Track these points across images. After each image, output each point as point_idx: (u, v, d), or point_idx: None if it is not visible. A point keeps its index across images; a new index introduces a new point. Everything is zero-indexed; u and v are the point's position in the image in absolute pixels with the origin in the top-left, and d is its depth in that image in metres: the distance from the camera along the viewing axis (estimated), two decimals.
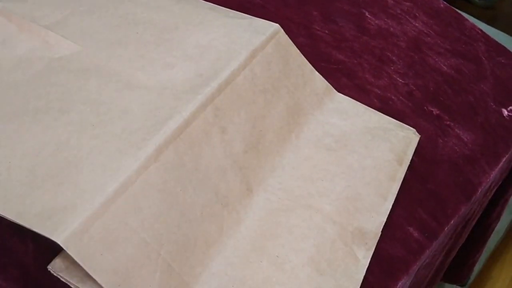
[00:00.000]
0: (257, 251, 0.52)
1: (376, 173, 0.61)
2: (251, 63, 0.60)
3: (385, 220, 0.58)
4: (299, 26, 0.79)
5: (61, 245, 0.41)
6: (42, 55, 0.59)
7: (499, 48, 0.87)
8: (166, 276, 0.47)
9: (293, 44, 0.66)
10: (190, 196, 0.50)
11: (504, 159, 0.71)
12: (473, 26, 0.89)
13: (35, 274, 0.48)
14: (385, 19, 0.85)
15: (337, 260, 0.53)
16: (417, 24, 0.86)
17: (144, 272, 0.45)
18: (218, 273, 0.50)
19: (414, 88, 0.75)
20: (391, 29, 0.83)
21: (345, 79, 0.73)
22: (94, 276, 0.42)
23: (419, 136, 0.67)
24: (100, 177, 0.46)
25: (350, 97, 0.69)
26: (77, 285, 0.44)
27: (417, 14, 0.87)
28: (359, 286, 0.52)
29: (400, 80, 0.75)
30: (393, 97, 0.73)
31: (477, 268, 1.12)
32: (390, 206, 0.59)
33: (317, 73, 0.67)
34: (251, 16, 0.66)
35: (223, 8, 0.68)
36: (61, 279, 0.44)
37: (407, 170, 0.63)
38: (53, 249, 0.44)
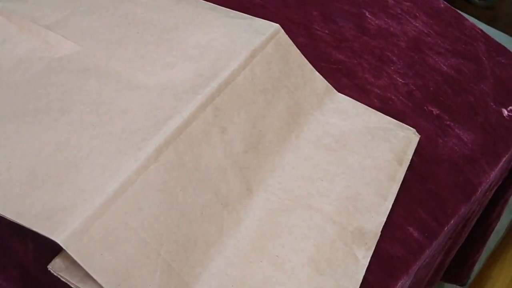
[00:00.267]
0: (257, 251, 0.52)
1: (376, 173, 0.61)
2: (251, 63, 0.60)
3: (385, 220, 0.58)
4: (299, 26, 0.79)
5: (61, 245, 0.41)
6: (42, 55, 0.59)
7: (499, 48, 0.87)
8: (166, 276, 0.47)
9: (293, 44, 0.66)
10: (190, 196, 0.50)
11: (504, 159, 0.71)
12: (473, 26, 0.89)
13: (35, 274, 0.48)
14: (385, 19, 0.85)
15: (337, 260, 0.53)
16: (417, 24, 0.86)
17: (144, 272, 0.45)
18: (218, 273, 0.50)
19: (414, 88, 0.75)
20: (391, 29, 0.83)
21: (345, 79, 0.73)
22: (94, 276, 0.42)
23: (419, 136, 0.67)
24: (100, 177, 0.46)
25: (350, 97, 0.69)
26: (77, 285, 0.44)
27: (417, 14, 0.87)
28: (359, 286, 0.52)
29: (400, 80, 0.75)
30: (393, 97, 0.73)
31: (477, 268, 1.12)
32: (390, 206, 0.59)
33: (317, 73, 0.67)
34: (251, 16, 0.66)
35: (223, 8, 0.68)
36: (61, 278, 0.44)
37: (407, 170, 0.63)
38: (53, 249, 0.44)
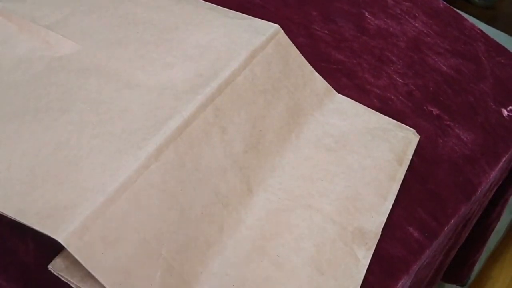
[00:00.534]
0: (258, 251, 0.53)
1: (376, 173, 0.61)
2: (251, 64, 0.60)
3: (385, 220, 0.58)
4: (298, 26, 0.79)
5: (62, 243, 0.41)
6: (42, 54, 0.59)
7: (499, 48, 0.87)
8: (167, 275, 0.47)
9: (293, 45, 0.66)
10: (190, 195, 0.51)
11: (504, 159, 0.71)
12: (473, 26, 0.89)
13: (36, 273, 0.48)
14: (385, 19, 0.85)
15: (337, 260, 0.54)
16: (416, 24, 0.86)
17: (145, 271, 0.45)
18: (218, 272, 0.50)
19: (414, 88, 0.75)
20: (391, 29, 0.84)
21: (345, 79, 0.73)
22: (95, 275, 0.42)
23: (419, 136, 0.67)
24: (101, 176, 0.46)
25: (350, 97, 0.69)
26: (77, 284, 0.44)
27: (416, 14, 0.88)
28: (359, 286, 0.52)
29: (400, 80, 0.76)
30: (392, 97, 0.73)
31: (477, 268, 1.12)
32: (390, 206, 0.59)
33: (317, 74, 0.67)
34: (250, 17, 0.66)
35: (223, 8, 0.68)
36: (62, 278, 0.44)
37: (407, 170, 0.63)
38: (53, 249, 0.44)
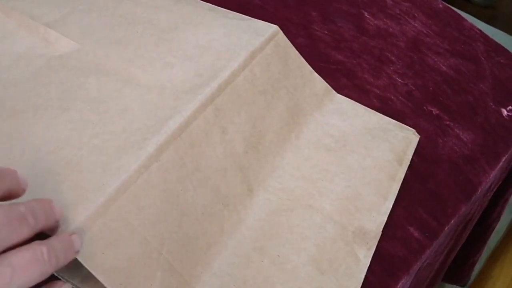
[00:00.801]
0: (258, 251, 0.53)
1: (376, 173, 0.61)
2: (250, 64, 0.60)
3: (385, 219, 0.58)
4: (298, 27, 0.79)
5: None
6: (42, 52, 0.59)
7: (498, 48, 0.87)
8: (168, 275, 0.47)
9: (292, 46, 0.66)
10: (191, 196, 0.51)
11: (503, 159, 0.71)
12: (472, 26, 0.89)
13: None
14: (384, 19, 0.85)
15: (338, 259, 0.54)
16: (416, 24, 0.86)
17: (146, 271, 0.45)
18: (219, 272, 0.50)
19: (414, 88, 0.75)
20: (390, 29, 0.84)
21: (344, 79, 0.73)
22: (96, 275, 0.42)
23: (419, 136, 0.67)
24: (101, 176, 0.46)
25: (350, 97, 0.69)
26: (78, 285, 0.44)
27: (416, 15, 0.88)
28: (360, 286, 0.53)
29: (400, 80, 0.76)
30: (392, 97, 0.73)
31: (477, 267, 1.12)
32: (391, 206, 0.59)
33: (316, 74, 0.68)
34: (250, 18, 0.66)
35: (222, 9, 0.68)
36: (62, 279, 0.45)
37: (407, 170, 0.63)
38: None
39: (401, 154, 0.64)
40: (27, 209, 0.35)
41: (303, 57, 0.67)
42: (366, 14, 0.85)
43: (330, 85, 0.69)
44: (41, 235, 0.42)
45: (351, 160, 0.62)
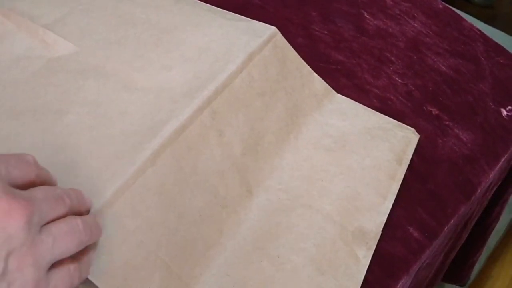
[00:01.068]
0: (258, 252, 0.53)
1: (375, 173, 0.61)
2: (248, 66, 0.59)
3: (385, 219, 0.58)
4: (298, 27, 0.79)
5: None
6: (41, 54, 0.59)
7: (498, 48, 0.87)
8: (166, 277, 0.47)
9: (291, 47, 0.65)
10: (188, 198, 0.51)
11: (503, 159, 0.71)
12: (472, 26, 0.89)
13: None
14: (384, 20, 0.85)
15: (338, 259, 0.54)
16: (415, 25, 0.86)
17: (143, 274, 0.45)
18: (218, 273, 0.50)
19: (413, 88, 0.75)
20: (390, 29, 0.84)
21: (344, 79, 0.73)
22: (92, 279, 0.42)
23: (419, 136, 0.67)
24: (98, 182, 0.46)
25: (349, 97, 0.69)
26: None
27: (415, 15, 0.88)
28: (359, 286, 0.52)
29: (399, 80, 0.76)
30: (392, 97, 0.73)
31: (477, 267, 1.12)
32: (390, 206, 0.59)
33: (315, 74, 0.67)
34: (248, 19, 0.66)
35: (221, 9, 0.67)
36: None
37: (407, 170, 0.63)
38: None
39: (401, 154, 0.64)
40: (63, 192, 0.39)
41: (303, 57, 0.66)
42: (366, 14, 0.85)
43: (329, 85, 0.69)
44: None
45: (351, 160, 0.62)
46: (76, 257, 0.39)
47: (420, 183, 0.64)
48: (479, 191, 0.67)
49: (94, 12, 0.65)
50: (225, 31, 0.63)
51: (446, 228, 0.62)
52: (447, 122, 0.72)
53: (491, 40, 0.88)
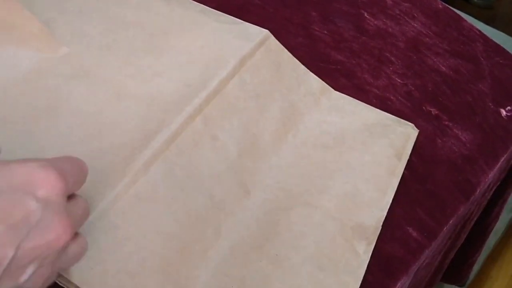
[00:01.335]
0: (256, 251, 0.52)
1: (375, 169, 0.61)
2: (240, 71, 0.59)
3: (385, 214, 0.57)
4: (298, 27, 0.79)
5: None
6: (31, 55, 0.58)
7: (497, 49, 0.86)
8: (162, 281, 0.46)
9: (284, 48, 0.65)
10: (183, 203, 0.50)
11: (502, 159, 0.71)
12: (471, 27, 0.89)
13: None
14: (384, 20, 0.85)
15: (338, 256, 0.53)
16: (415, 25, 0.86)
17: (137, 281, 0.45)
18: (217, 274, 0.50)
19: (413, 88, 0.75)
20: (390, 29, 0.83)
21: (344, 79, 0.73)
22: None
23: (418, 130, 0.67)
24: (90, 195, 0.45)
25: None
26: None
27: (415, 15, 0.87)
28: (360, 281, 0.52)
29: (399, 80, 0.75)
30: (392, 97, 0.73)
31: (476, 267, 1.12)
32: (390, 200, 0.59)
33: (311, 73, 0.67)
34: (241, 21, 0.65)
35: (214, 11, 0.67)
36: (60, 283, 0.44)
37: (406, 170, 0.63)
38: None
39: (400, 149, 0.64)
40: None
41: (303, 56, 0.66)
42: (366, 15, 0.85)
43: (329, 85, 0.69)
44: None
45: (350, 156, 0.62)
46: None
47: (419, 183, 0.64)
48: (478, 191, 0.67)
49: (85, 15, 0.63)
50: (217, 36, 0.62)
51: (445, 228, 0.62)
52: (446, 122, 0.72)
53: (491, 40, 0.88)
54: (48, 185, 0.35)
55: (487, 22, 1.44)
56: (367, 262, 0.54)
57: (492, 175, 0.69)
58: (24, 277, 0.34)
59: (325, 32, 0.80)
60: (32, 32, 0.58)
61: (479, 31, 0.88)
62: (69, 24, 0.62)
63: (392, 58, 0.79)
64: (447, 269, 0.90)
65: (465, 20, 0.90)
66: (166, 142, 0.51)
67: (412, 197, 0.62)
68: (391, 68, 0.77)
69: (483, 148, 0.70)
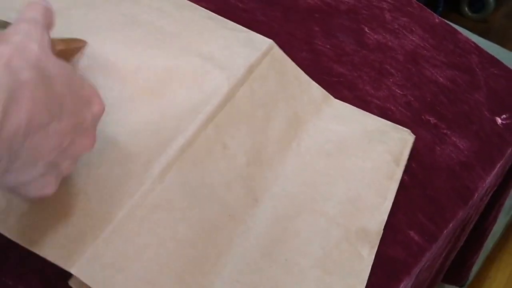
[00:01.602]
0: (266, 257, 0.52)
1: (374, 174, 0.61)
2: (249, 79, 0.58)
3: (386, 218, 0.57)
4: (301, 42, 0.79)
5: (75, 274, 0.41)
6: None
7: (492, 60, 0.86)
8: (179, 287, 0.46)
9: (288, 58, 0.64)
10: (197, 211, 0.50)
11: (498, 165, 0.71)
12: (467, 39, 0.89)
13: (55, 281, 0.48)
14: (384, 34, 0.85)
15: (343, 260, 0.53)
16: (414, 38, 0.86)
17: (157, 287, 0.45)
18: (229, 281, 0.49)
19: (412, 99, 0.75)
20: (389, 43, 0.83)
21: (346, 91, 0.73)
22: None
23: (414, 136, 0.67)
24: (108, 205, 0.45)
25: None
26: None
27: (413, 29, 0.87)
28: (365, 283, 0.52)
29: (399, 92, 0.75)
30: (392, 108, 0.72)
31: (475, 268, 1.11)
32: (390, 205, 0.59)
33: (313, 82, 0.66)
34: (247, 29, 0.64)
35: (221, 17, 0.65)
36: None
37: (407, 177, 0.63)
38: None
39: (398, 155, 0.63)
40: None
41: (307, 70, 0.66)
42: (366, 29, 0.85)
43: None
44: None
45: (351, 163, 0.61)
46: None
47: (420, 189, 0.64)
48: (476, 196, 0.66)
49: (98, 8, 0.60)
50: (226, 42, 0.61)
51: (445, 231, 0.61)
52: (444, 131, 0.72)
53: (485, 52, 0.87)
54: None
55: (482, 34, 1.44)
56: (371, 264, 0.54)
57: (489, 180, 0.69)
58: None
59: (328, 46, 0.80)
60: None
61: (474, 43, 0.88)
62: (84, 16, 0.58)
63: (392, 70, 0.79)
64: (447, 270, 0.90)
65: (461, 33, 0.90)
66: (180, 150, 0.50)
67: (413, 202, 0.62)
68: (391, 80, 0.77)
69: (480, 155, 0.70)
